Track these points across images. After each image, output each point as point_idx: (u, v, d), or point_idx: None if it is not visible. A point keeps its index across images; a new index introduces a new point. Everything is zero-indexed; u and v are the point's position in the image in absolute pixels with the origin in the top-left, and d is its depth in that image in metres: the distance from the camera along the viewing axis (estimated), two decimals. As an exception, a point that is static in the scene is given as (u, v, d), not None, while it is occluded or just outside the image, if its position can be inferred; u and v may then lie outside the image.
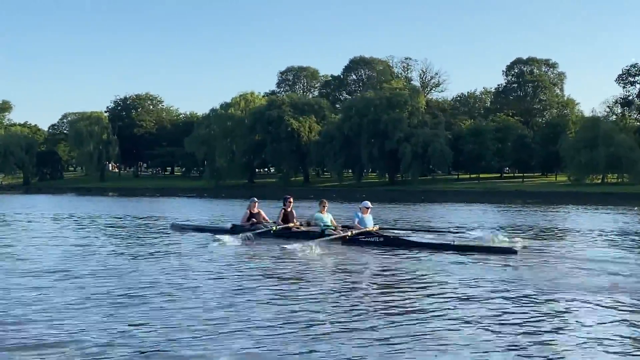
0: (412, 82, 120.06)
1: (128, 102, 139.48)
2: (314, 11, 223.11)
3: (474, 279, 11.82)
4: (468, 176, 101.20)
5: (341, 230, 18.35)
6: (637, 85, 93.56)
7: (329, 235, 17.87)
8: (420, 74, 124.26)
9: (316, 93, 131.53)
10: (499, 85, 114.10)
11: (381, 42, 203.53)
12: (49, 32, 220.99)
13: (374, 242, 17.31)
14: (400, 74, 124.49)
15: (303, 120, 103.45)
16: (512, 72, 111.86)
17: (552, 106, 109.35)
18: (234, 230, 19.50)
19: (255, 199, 20.32)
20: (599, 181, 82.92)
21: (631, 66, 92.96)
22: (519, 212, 37.78)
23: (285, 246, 16.09)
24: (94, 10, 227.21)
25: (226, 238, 17.80)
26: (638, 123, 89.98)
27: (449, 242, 16.94)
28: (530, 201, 57.30)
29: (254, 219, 19.68)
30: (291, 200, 19.55)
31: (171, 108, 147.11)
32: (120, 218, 31.26)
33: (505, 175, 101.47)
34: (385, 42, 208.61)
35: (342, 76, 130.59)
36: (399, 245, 16.75)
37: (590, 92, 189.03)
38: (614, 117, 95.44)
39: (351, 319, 8.56)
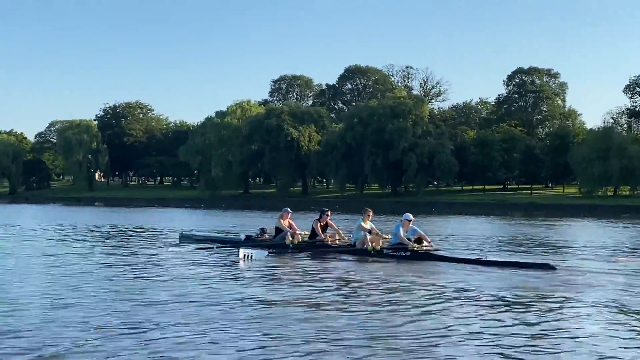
0: (412, 91, 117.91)
1: (118, 110, 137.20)
2: (307, 19, 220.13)
3: (511, 296, 11.33)
4: (471, 187, 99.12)
5: (383, 238, 17.77)
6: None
7: (360, 250, 17.40)
8: (421, 83, 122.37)
9: (310, 102, 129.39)
10: (499, 95, 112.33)
11: (377, 51, 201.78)
12: (34, 38, 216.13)
13: (403, 257, 16.67)
14: (400, 83, 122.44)
15: (303, 130, 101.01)
16: (513, 82, 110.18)
17: (554, 117, 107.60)
18: (249, 242, 19.02)
19: (289, 209, 19.25)
20: (611, 193, 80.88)
21: (639, 76, 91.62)
22: (543, 226, 36.26)
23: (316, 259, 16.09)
24: (82, 17, 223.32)
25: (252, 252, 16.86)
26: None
27: (480, 257, 16.19)
28: (539, 214, 55.77)
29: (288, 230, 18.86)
30: (329, 213, 18.58)
31: (161, 117, 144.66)
32: (132, 229, 30.09)
33: (510, 187, 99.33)
34: (382, 52, 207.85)
35: (337, 85, 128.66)
36: (428, 260, 16.20)
37: (591, 103, 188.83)
38: (619, 128, 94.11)
39: (401, 337, 8.14)
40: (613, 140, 78.73)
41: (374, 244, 17.32)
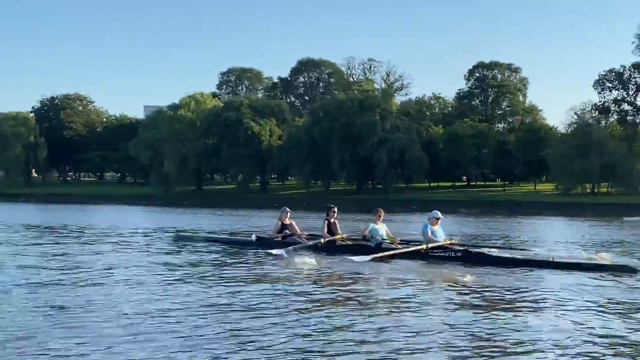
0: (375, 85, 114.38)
1: (56, 102, 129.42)
2: (257, 10, 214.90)
3: (591, 302, 10.24)
4: (437, 184, 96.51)
5: (400, 244, 16.34)
6: (615, 92, 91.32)
7: (388, 249, 15.85)
8: (383, 77, 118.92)
9: (260, 96, 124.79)
10: (460, 90, 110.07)
11: (332, 44, 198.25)
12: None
13: (452, 258, 15.05)
14: (362, 76, 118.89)
15: (263, 124, 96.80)
16: (474, 77, 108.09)
17: (516, 112, 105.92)
18: (263, 243, 17.94)
19: (287, 209, 18.32)
20: (589, 191, 79.11)
21: (608, 71, 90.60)
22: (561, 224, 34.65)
23: (355, 260, 14.74)
24: (16, 5, 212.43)
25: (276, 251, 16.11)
26: (624, 130, 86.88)
27: (546, 259, 14.69)
28: (534, 212, 53.60)
29: (286, 231, 17.98)
30: (335, 210, 17.42)
31: (100, 109, 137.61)
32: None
33: (478, 184, 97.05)
34: (337, 45, 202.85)
35: (290, 78, 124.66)
36: (483, 262, 14.43)
37: (550, 100, 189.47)
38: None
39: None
40: (592, 137, 76.89)
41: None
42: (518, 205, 67.65)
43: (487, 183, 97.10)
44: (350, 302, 10.16)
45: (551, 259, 14.53)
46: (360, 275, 13.14)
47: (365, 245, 16.43)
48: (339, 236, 17.23)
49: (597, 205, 64.67)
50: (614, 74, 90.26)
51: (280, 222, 18.19)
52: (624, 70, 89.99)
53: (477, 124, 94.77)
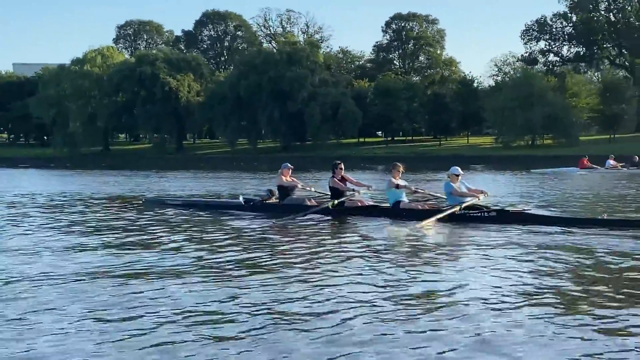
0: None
1: None
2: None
3: None
4: (366, 140, 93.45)
5: (420, 192, 15.58)
6: (541, 42, 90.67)
7: (410, 209, 14.35)
8: (302, 29, 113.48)
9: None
10: (377, 42, 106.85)
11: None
12: None
13: (487, 218, 13.43)
14: (279, 28, 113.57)
15: (181, 79, 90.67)
16: (392, 29, 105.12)
17: (436, 65, 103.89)
18: (254, 207, 16.15)
19: (289, 165, 16.21)
20: (529, 143, 77.73)
21: (535, 21, 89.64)
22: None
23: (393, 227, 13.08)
24: None
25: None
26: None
27: (594, 217, 13.55)
28: (485, 166, 51.54)
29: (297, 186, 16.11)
30: (342, 166, 15.49)
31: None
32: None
33: (413, 138, 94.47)
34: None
35: (194, 32, 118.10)
36: (525, 222, 12.96)
37: (467, 52, 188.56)
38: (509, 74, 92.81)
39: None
40: (534, 88, 75.32)
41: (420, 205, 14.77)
42: (467, 160, 65.12)
43: (415, 137, 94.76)
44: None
45: (603, 216, 13.28)
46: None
47: (382, 206, 15.02)
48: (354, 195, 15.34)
49: (544, 158, 63.19)
50: (539, 24, 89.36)
51: (283, 178, 16.04)
52: (548, 20, 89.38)
53: (408, 77, 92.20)
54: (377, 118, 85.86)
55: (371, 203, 15.33)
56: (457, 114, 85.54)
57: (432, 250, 10.29)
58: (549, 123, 73.82)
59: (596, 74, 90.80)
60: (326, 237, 11.92)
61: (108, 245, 11.04)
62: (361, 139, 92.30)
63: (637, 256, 9.50)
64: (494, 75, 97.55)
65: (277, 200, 16.08)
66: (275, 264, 9.18)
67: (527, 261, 9.20)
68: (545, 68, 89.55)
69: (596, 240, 10.89)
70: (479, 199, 13.93)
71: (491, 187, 16.62)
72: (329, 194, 15.59)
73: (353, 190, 15.19)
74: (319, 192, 16.54)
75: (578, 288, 7.62)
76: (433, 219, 13.23)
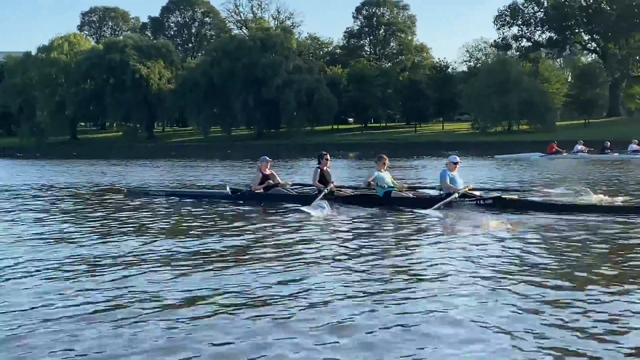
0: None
1: None
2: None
3: None
4: (341, 127, 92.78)
5: (407, 192, 14.69)
6: (514, 28, 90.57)
7: (398, 197, 14.15)
8: (273, 15, 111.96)
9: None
10: (348, 28, 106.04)
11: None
12: None
13: (482, 206, 13.20)
14: (249, 14, 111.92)
15: (151, 66, 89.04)
16: (362, 15, 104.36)
17: (408, 51, 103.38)
18: (242, 196, 15.67)
19: (267, 158, 15.99)
20: (505, 129, 77.64)
21: (508, 7, 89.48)
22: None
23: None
24: None
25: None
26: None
27: (592, 203, 13.36)
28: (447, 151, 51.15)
29: (269, 181, 15.66)
30: (328, 157, 15.23)
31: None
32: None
33: (387, 125, 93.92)
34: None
35: (160, 18, 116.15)
36: (521, 209, 12.85)
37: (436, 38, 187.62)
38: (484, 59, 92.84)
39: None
40: (510, 73, 75.19)
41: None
42: (440, 146, 64.77)
43: (388, 125, 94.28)
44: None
45: (600, 203, 13.28)
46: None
47: (372, 195, 14.52)
48: (332, 185, 14.81)
49: (522, 144, 62.99)
50: (512, 9, 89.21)
51: (261, 173, 15.74)
52: (520, 5, 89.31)
53: (379, 64, 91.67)
54: (352, 105, 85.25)
55: (357, 193, 15.00)
56: (432, 100, 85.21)
57: (426, 238, 10.11)
58: (526, 109, 73.82)
59: (569, 59, 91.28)
60: (317, 227, 11.58)
61: (92, 237, 10.61)
62: (335, 126, 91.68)
63: (633, 242, 9.42)
64: (465, 62, 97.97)
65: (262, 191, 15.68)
66: (262, 253, 9.02)
67: (518, 248, 9.08)
68: (518, 54, 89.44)
69: (594, 226, 10.81)
70: (466, 189, 13.77)
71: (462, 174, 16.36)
72: (309, 184, 15.50)
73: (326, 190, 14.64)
74: (297, 185, 16.38)
75: (565, 274, 7.51)
76: (441, 203, 13.05)
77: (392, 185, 14.57)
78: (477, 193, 13.93)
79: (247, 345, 5.27)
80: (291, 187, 15.89)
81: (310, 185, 15.55)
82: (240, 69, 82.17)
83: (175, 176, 27.89)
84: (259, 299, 6.61)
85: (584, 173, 25.14)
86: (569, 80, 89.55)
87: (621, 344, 5.18)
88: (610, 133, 56.22)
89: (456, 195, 13.32)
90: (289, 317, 5.97)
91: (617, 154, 37.62)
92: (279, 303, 6.42)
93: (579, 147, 38.80)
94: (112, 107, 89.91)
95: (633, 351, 5.06)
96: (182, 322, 5.87)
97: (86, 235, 10.80)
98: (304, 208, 13.21)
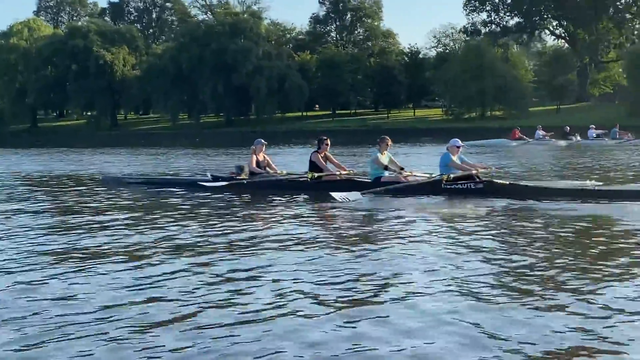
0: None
1: None
2: None
3: None
4: (310, 114, 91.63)
5: (410, 176, 13.86)
6: (483, 13, 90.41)
7: (391, 182, 13.50)
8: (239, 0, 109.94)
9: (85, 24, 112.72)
10: (313, 14, 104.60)
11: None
12: None
13: (472, 190, 12.81)
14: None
15: (116, 52, 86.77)
16: (329, 0, 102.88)
17: (375, 37, 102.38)
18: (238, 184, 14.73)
19: (263, 141, 15.59)
20: (479, 115, 77.11)
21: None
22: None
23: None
24: None
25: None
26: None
27: (586, 187, 12.94)
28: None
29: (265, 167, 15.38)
30: (328, 142, 14.73)
31: None
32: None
33: (358, 111, 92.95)
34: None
35: (120, 3, 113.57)
36: (513, 194, 12.43)
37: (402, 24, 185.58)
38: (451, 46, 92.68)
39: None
40: (485, 59, 74.85)
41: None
42: (416, 132, 64.15)
43: (358, 111, 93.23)
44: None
45: (593, 188, 12.83)
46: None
47: (361, 181, 14.21)
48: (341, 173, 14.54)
49: (497, 129, 62.54)
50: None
51: (255, 157, 15.24)
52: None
53: (347, 50, 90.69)
54: (322, 91, 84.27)
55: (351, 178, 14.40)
56: (404, 86, 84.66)
57: (395, 226, 9.76)
58: (500, 94, 73.67)
59: (538, 44, 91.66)
60: (298, 213, 11.29)
61: (68, 227, 10.04)
62: (303, 113, 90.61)
63: (627, 228, 9.24)
64: (433, 47, 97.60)
65: (247, 177, 15.07)
66: (242, 240, 8.73)
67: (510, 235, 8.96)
68: (487, 39, 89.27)
69: (588, 211, 10.80)
70: (478, 171, 13.44)
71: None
72: (305, 172, 14.82)
73: (333, 173, 14.45)
74: (293, 175, 15.52)
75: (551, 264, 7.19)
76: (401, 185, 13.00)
77: (388, 168, 13.95)
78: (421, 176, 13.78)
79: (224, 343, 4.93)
80: (283, 176, 15.19)
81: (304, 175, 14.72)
82: (209, 55, 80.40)
83: (149, 164, 27.09)
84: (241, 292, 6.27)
85: (550, 158, 25.55)
86: (531, 67, 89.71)
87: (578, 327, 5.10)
88: (580, 119, 56.68)
89: (445, 177, 12.96)
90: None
91: (579, 138, 38.34)
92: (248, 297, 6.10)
93: (540, 132, 39.21)
94: (75, 95, 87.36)
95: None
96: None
97: (63, 226, 10.23)
98: (333, 194, 12.55)
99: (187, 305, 5.80)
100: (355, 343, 4.83)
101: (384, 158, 14.11)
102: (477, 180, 13.10)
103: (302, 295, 6.07)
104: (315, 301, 5.90)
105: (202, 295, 6.07)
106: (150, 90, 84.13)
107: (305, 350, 4.74)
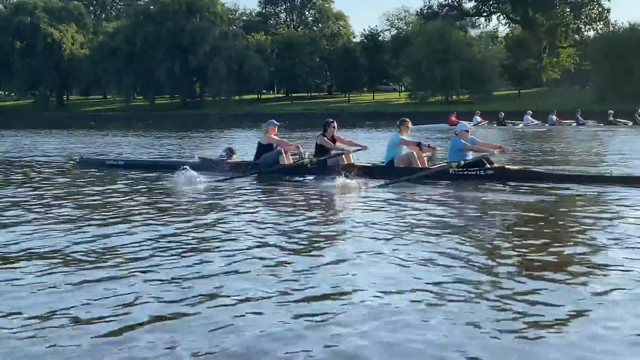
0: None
1: None
2: None
3: None
4: (267, 96, 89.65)
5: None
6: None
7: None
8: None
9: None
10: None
11: None
12: None
13: (483, 176, 12.35)
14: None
15: (64, 30, 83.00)
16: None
17: (326, 19, 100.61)
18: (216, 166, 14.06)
19: (274, 122, 14.80)
20: (443, 99, 76.26)
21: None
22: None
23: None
24: None
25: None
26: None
27: (602, 174, 12.73)
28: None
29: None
30: (335, 125, 14.14)
31: None
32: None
33: (318, 94, 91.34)
34: None
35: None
36: (527, 180, 12.02)
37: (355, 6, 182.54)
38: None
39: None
40: (451, 42, 73.99)
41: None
42: (383, 116, 62.74)
43: (313, 94, 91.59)
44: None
45: (610, 173, 12.47)
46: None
47: (368, 167, 13.68)
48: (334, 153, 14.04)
49: (463, 114, 62.08)
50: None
51: (268, 138, 14.49)
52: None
53: (309, 32, 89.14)
54: (281, 74, 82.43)
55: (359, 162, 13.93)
56: (364, 70, 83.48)
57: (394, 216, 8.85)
58: (466, 78, 73.11)
59: (494, 28, 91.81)
60: (292, 199, 10.56)
61: (48, 217, 8.74)
62: (259, 96, 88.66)
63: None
64: (386, 30, 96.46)
65: (235, 160, 14.76)
66: (232, 228, 7.98)
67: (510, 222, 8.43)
68: (447, 23, 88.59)
69: (606, 196, 10.44)
70: (494, 154, 12.87)
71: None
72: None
73: (342, 150, 13.89)
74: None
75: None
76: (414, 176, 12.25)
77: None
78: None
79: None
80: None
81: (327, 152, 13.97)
82: (165, 34, 77.64)
83: (105, 146, 25.00)
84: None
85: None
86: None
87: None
88: (543, 105, 56.31)
89: (456, 164, 12.33)
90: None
91: (512, 124, 38.75)
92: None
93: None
94: (20, 74, 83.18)
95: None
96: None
97: (39, 214, 8.94)
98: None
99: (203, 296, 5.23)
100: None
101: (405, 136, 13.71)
102: (488, 166, 12.57)
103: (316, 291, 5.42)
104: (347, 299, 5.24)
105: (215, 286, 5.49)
106: (101, 70, 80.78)
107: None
